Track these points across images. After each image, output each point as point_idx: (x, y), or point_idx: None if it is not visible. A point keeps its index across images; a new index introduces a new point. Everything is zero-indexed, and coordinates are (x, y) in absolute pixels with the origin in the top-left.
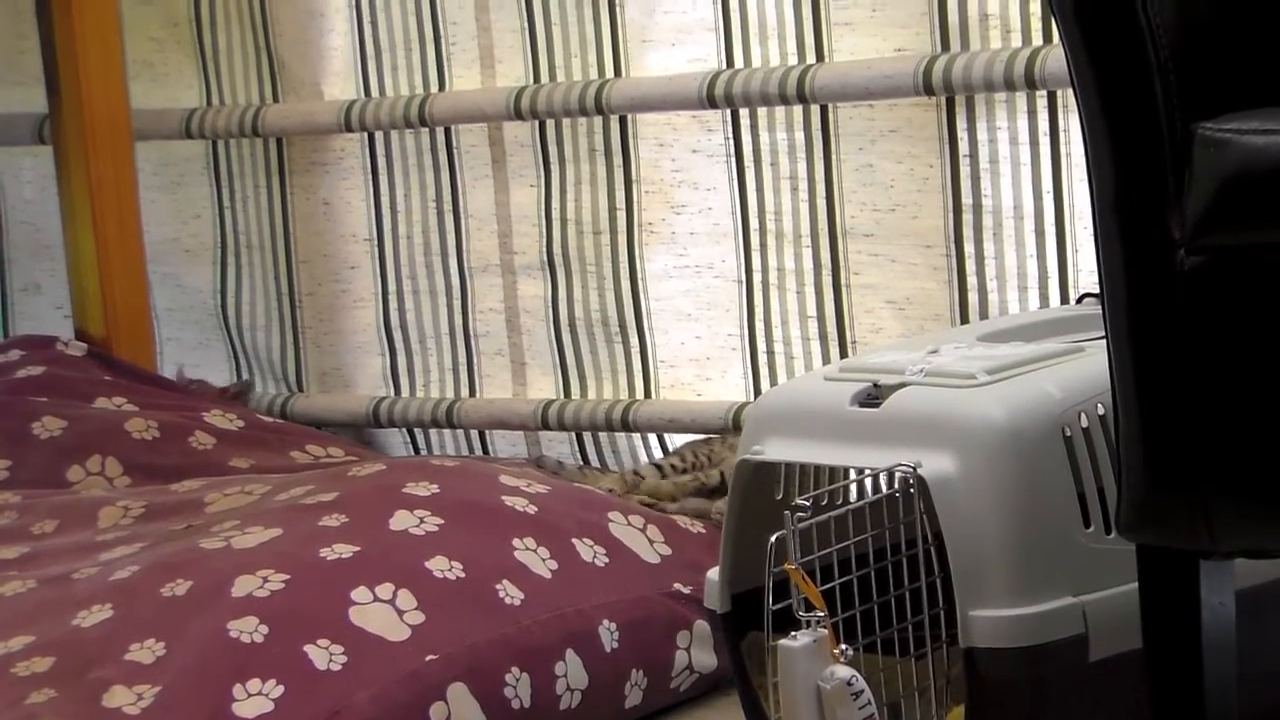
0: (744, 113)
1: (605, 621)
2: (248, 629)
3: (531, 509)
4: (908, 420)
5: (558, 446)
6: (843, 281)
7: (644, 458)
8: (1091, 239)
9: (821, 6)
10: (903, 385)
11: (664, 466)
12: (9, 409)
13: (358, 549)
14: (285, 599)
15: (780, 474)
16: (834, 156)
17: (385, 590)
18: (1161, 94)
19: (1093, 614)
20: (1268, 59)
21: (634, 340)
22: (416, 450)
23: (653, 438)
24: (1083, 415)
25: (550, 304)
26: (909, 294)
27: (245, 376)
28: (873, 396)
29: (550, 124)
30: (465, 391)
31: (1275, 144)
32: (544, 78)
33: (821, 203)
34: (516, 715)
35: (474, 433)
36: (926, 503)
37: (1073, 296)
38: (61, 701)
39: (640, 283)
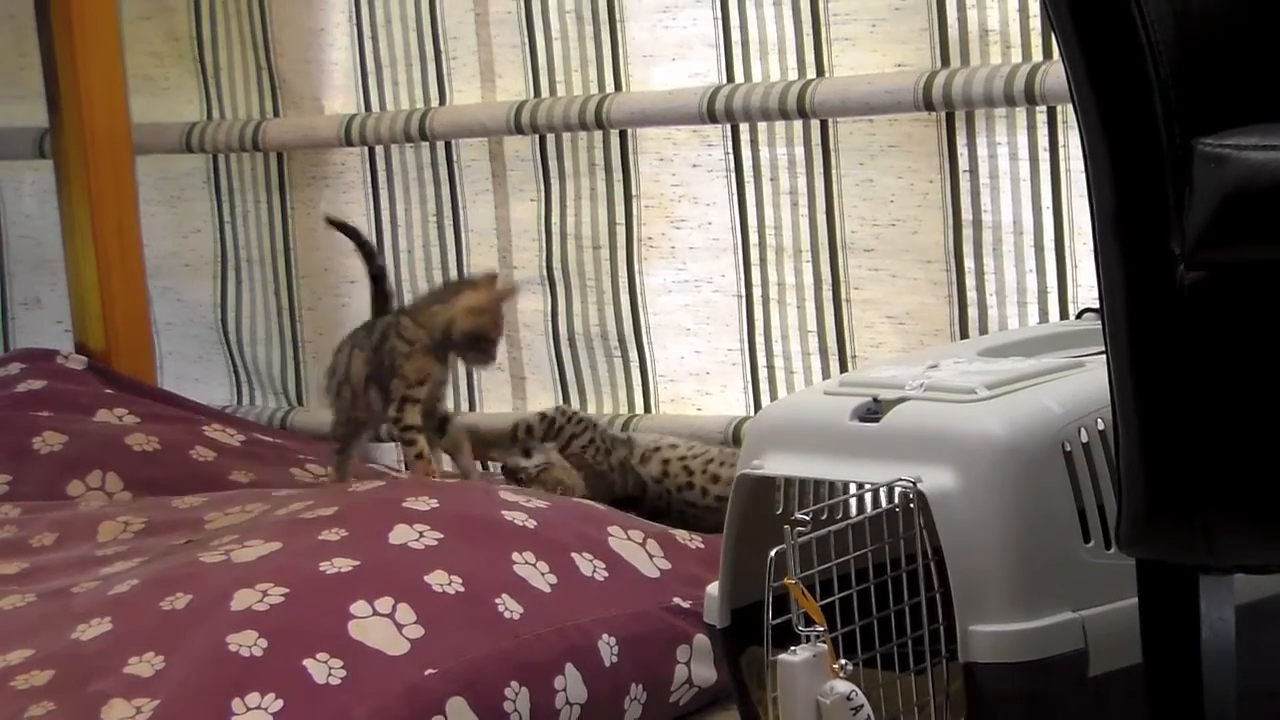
0: (744, 127)
1: (605, 636)
2: (247, 643)
3: (531, 523)
4: (907, 435)
5: None
6: (843, 296)
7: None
8: (1091, 254)
9: (822, 22)
10: (902, 400)
11: None
12: (10, 423)
13: (357, 563)
14: (284, 613)
15: (780, 488)
16: (834, 171)
17: (384, 604)
18: (1161, 110)
19: (1092, 629)
20: (1267, 75)
21: (633, 355)
22: None
23: None
24: (1083, 430)
25: (550, 318)
26: (909, 309)
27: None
28: (872, 411)
29: (550, 138)
30: (465, 406)
31: (1274, 160)
32: (544, 92)
33: (821, 217)
34: None
35: None
36: (926, 517)
37: (1072, 311)
38: (60, 714)
39: (640, 297)
